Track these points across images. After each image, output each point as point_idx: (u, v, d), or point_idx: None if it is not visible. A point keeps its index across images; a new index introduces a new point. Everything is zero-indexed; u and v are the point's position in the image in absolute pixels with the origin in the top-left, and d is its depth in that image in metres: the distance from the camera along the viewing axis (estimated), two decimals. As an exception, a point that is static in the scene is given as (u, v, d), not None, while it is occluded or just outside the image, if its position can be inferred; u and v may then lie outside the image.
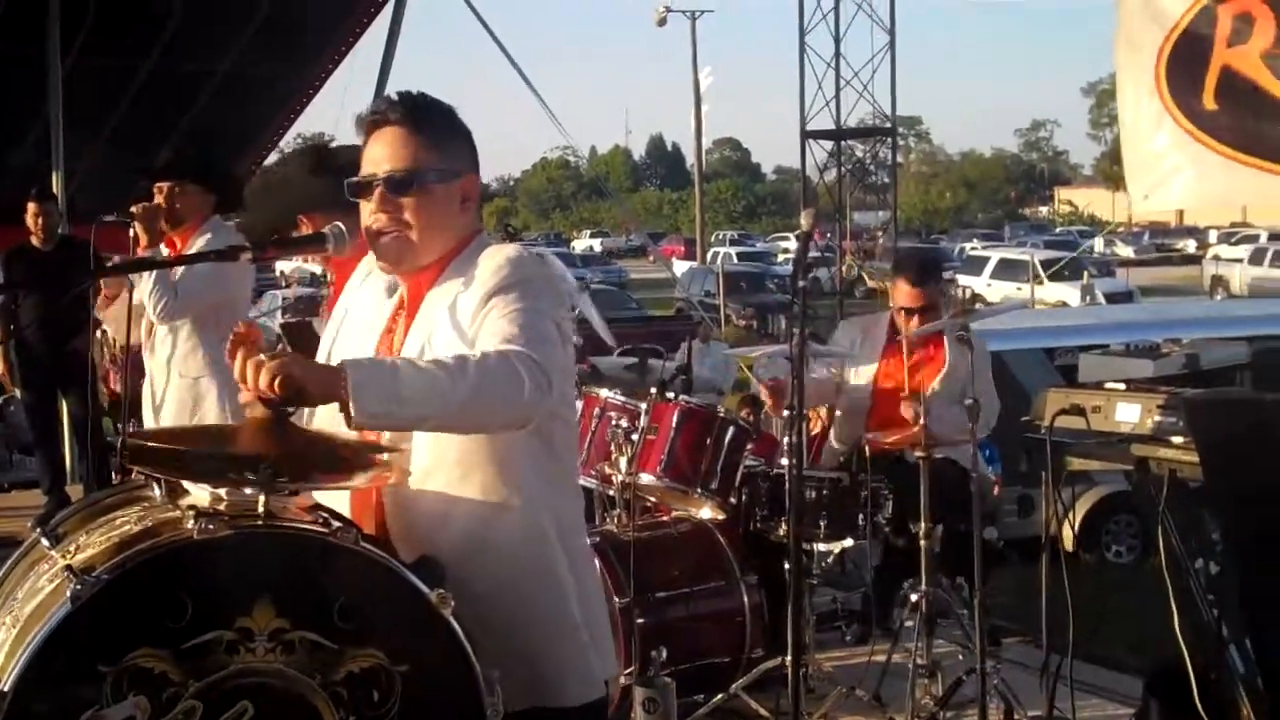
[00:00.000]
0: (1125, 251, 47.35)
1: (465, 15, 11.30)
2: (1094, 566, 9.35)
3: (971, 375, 5.02)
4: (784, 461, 4.97)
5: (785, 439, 5.14)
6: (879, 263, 29.49)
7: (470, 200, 2.63)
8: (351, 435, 2.30)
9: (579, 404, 5.08)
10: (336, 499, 2.58)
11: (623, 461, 5.06)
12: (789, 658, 3.96)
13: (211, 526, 2.16)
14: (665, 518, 5.50)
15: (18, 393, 8.68)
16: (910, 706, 4.77)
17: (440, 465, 2.50)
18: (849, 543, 5.24)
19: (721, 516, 5.28)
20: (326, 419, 2.53)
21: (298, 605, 2.17)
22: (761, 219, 75.30)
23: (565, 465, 2.66)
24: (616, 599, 4.75)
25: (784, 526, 5.03)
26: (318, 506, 2.50)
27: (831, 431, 5.98)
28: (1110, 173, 60.26)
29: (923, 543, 4.86)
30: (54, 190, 8.95)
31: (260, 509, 2.25)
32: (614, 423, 5.15)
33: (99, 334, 7.42)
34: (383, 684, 2.21)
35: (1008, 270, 32.77)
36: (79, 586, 2.08)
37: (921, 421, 4.86)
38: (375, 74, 11.36)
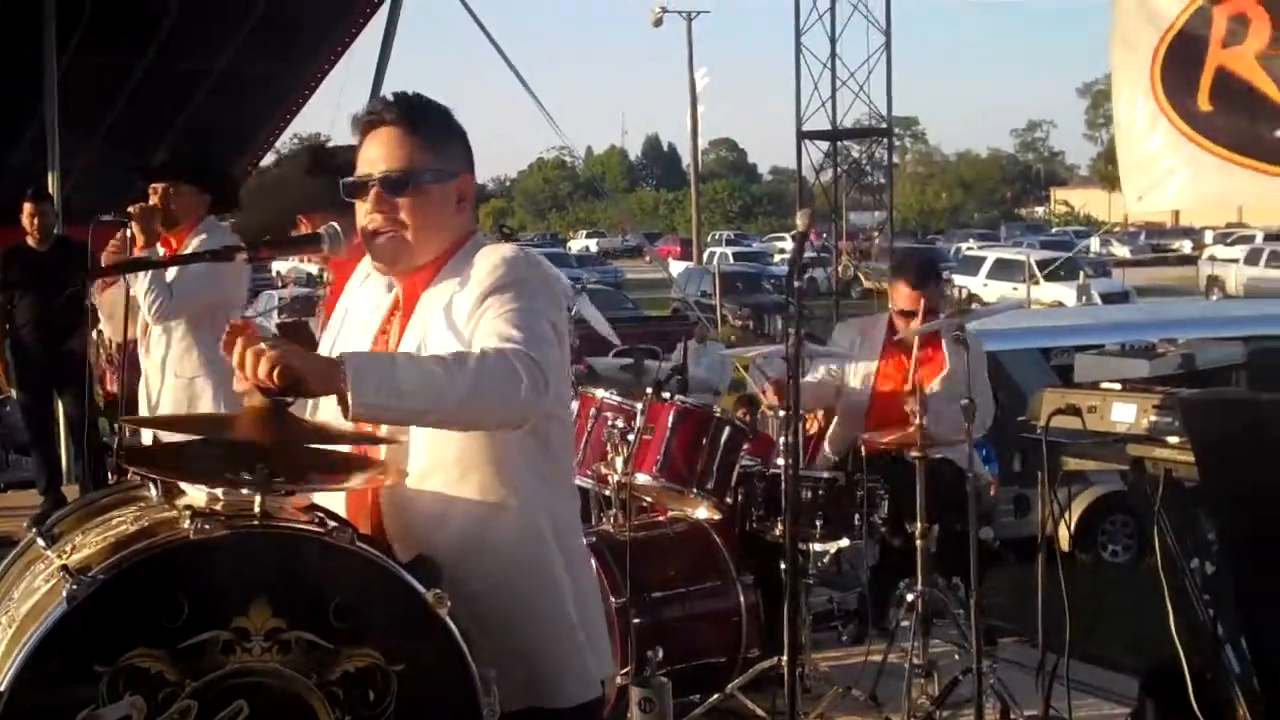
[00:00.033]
0: (1121, 251, 47.40)
1: (461, 16, 11.27)
2: (1090, 566, 9.35)
3: (968, 375, 5.02)
4: (780, 461, 4.98)
5: (781, 439, 5.15)
6: (875, 263, 29.47)
7: (465, 201, 2.64)
8: (347, 427, 2.29)
9: (575, 404, 5.08)
10: (333, 499, 2.59)
11: (619, 461, 5.06)
12: (785, 657, 3.97)
13: (208, 526, 2.16)
14: (661, 518, 5.50)
15: (14, 393, 8.66)
16: (906, 706, 4.77)
17: (437, 465, 2.51)
18: (845, 543, 5.25)
19: (717, 516, 5.28)
20: (331, 415, 2.53)
21: (294, 605, 2.17)
22: (757, 219, 75.29)
23: (561, 465, 2.66)
24: (613, 599, 4.75)
25: (780, 526, 5.03)
26: (314, 507, 2.50)
27: (827, 434, 5.98)
28: (1106, 173, 60.39)
29: (919, 543, 4.86)
30: (50, 190, 8.95)
31: (256, 509, 2.25)
32: (610, 423, 5.15)
33: (95, 334, 7.41)
34: (379, 684, 2.21)
35: (1004, 270, 32.79)
36: (75, 586, 2.08)
37: (922, 420, 4.86)
38: (371, 74, 11.35)
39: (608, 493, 5.24)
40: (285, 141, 15.36)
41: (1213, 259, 38.05)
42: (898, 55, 24.73)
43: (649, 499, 5.51)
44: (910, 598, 4.89)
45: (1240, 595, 3.91)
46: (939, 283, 5.83)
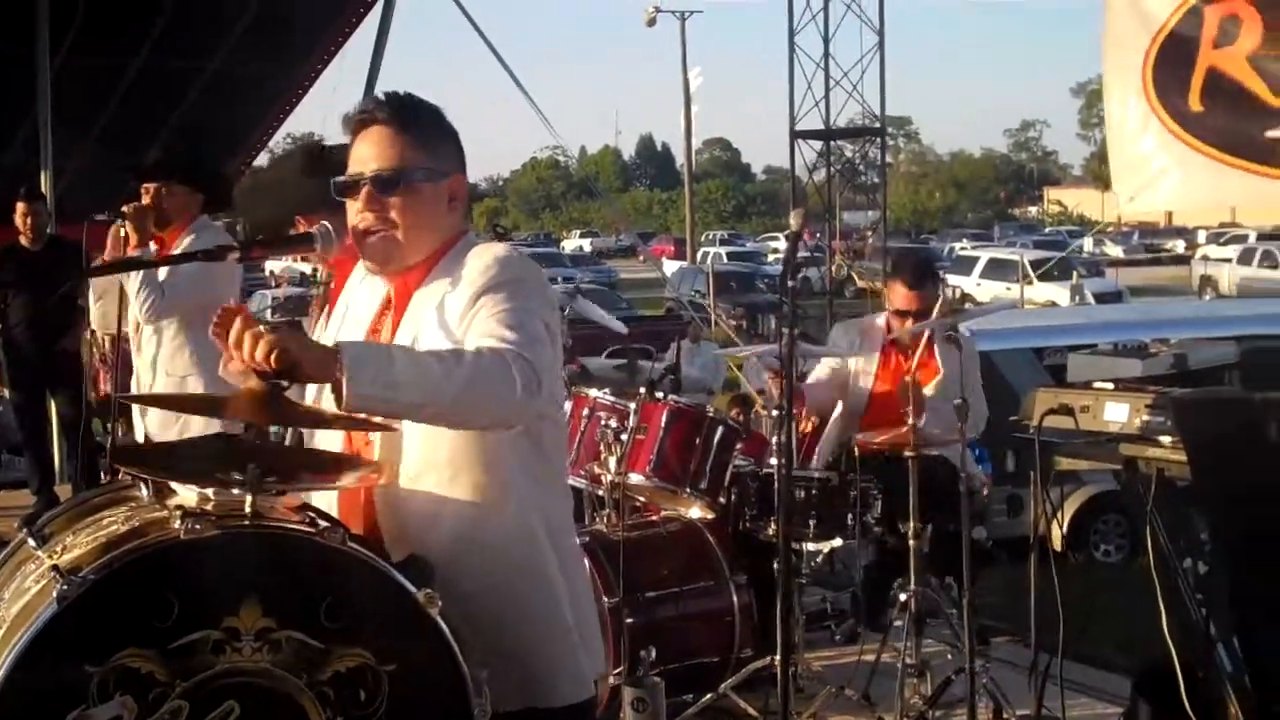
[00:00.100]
0: (1114, 251, 47.45)
1: (455, 15, 11.26)
2: (1082, 566, 9.37)
3: (961, 375, 5.03)
4: (773, 461, 4.98)
5: (774, 439, 5.15)
6: (868, 262, 29.45)
7: (457, 200, 2.63)
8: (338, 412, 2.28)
9: (568, 404, 5.08)
10: (326, 499, 2.58)
11: (612, 461, 5.06)
12: (778, 657, 3.97)
13: (198, 526, 2.16)
14: (654, 517, 5.50)
15: (6, 393, 8.66)
16: (899, 706, 4.77)
17: (430, 466, 2.50)
18: (838, 542, 5.26)
19: (711, 516, 5.28)
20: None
21: (284, 605, 2.17)
22: (751, 219, 75.30)
23: (554, 465, 2.66)
24: (606, 599, 4.75)
25: (773, 526, 5.03)
26: (305, 506, 2.50)
27: (820, 441, 5.97)
28: (1099, 173, 60.32)
29: (912, 542, 4.87)
30: (43, 190, 8.95)
31: (247, 509, 2.24)
32: (603, 423, 5.15)
33: (88, 334, 7.41)
34: (369, 684, 2.21)
35: (997, 270, 32.81)
36: (65, 587, 2.08)
37: (918, 420, 4.86)
38: (364, 74, 11.35)
39: (601, 492, 5.24)
40: (278, 141, 15.34)
41: (1206, 259, 38.08)
42: (891, 55, 24.78)
43: (642, 499, 5.51)
44: (903, 597, 4.89)
45: (1233, 594, 3.91)
46: (936, 283, 5.84)
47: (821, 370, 5.95)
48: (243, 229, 4.58)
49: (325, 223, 2.67)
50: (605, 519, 5.22)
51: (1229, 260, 35.57)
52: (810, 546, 5.23)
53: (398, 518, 2.53)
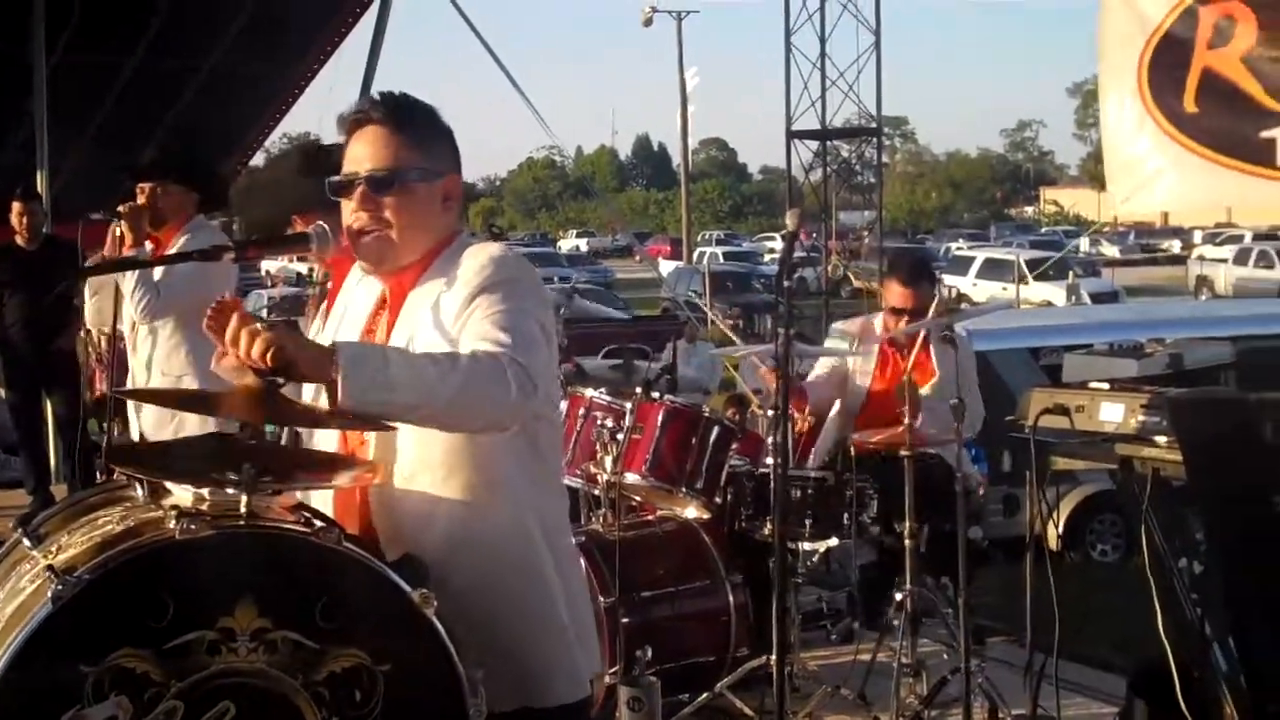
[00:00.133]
0: (1110, 251, 47.47)
1: (451, 15, 11.27)
2: (1078, 566, 9.36)
3: (957, 374, 5.03)
4: (769, 460, 4.98)
5: (770, 438, 5.15)
6: (865, 262, 29.49)
7: (452, 200, 2.63)
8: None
9: (564, 404, 5.08)
10: (321, 498, 2.58)
11: (608, 461, 5.05)
12: (774, 657, 3.97)
13: (193, 526, 2.16)
14: (650, 517, 5.50)
15: (2, 392, 8.64)
16: (895, 705, 4.77)
17: (425, 465, 2.50)
18: (834, 542, 5.25)
19: (706, 516, 5.29)
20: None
21: (280, 605, 2.17)
22: (747, 219, 75.32)
23: (550, 465, 2.66)
24: (601, 598, 4.75)
25: (769, 525, 5.04)
26: (301, 506, 2.50)
27: (820, 434, 5.98)
28: (1096, 173, 60.31)
29: (908, 542, 4.87)
30: (39, 189, 8.94)
31: (242, 509, 2.24)
32: (599, 422, 5.14)
33: (84, 333, 7.41)
34: (365, 684, 2.21)
35: (993, 270, 32.81)
36: (60, 587, 2.07)
37: (914, 419, 4.86)
38: (360, 74, 11.35)
39: (597, 492, 5.24)
40: (274, 141, 15.37)
41: (1202, 259, 38.09)
42: (887, 55, 24.76)
43: (638, 498, 5.52)
44: (899, 597, 4.90)
45: (1228, 594, 3.91)
46: (932, 282, 5.84)
47: (821, 368, 5.97)
48: (239, 229, 4.58)
49: (321, 223, 2.66)
50: (601, 518, 5.22)
51: (1225, 260, 35.57)
52: (806, 546, 5.23)
53: (392, 517, 2.53)
